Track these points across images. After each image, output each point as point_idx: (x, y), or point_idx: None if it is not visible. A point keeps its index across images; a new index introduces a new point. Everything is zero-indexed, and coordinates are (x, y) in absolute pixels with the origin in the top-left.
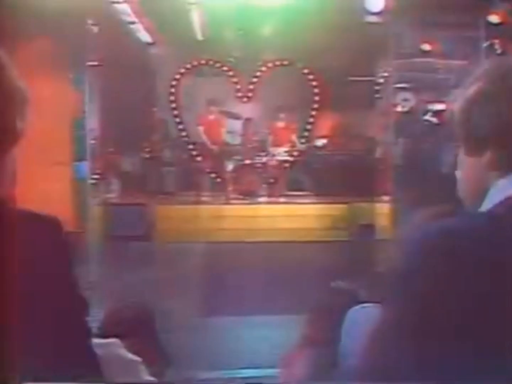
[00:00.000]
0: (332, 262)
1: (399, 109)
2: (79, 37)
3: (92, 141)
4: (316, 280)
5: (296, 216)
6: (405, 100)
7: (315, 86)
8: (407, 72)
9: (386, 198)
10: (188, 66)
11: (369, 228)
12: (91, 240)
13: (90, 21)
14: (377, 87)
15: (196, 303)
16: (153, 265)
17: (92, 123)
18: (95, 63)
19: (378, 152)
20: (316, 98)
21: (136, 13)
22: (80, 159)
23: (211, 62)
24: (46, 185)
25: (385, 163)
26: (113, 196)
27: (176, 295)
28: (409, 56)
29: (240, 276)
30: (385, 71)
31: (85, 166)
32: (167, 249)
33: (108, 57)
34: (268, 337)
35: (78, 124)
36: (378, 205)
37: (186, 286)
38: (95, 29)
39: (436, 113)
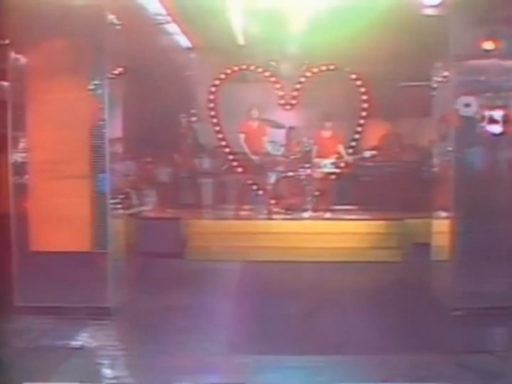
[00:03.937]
0: (383, 286)
1: (459, 115)
2: (100, 36)
3: (117, 151)
4: (368, 310)
5: (343, 234)
6: (467, 105)
7: (363, 93)
8: (468, 75)
9: (443, 214)
10: (228, 71)
11: (425, 247)
12: (114, 259)
13: (112, 18)
14: (433, 92)
15: (227, 338)
16: (182, 287)
17: (117, 132)
18: (118, 68)
19: (435, 163)
20: (365, 105)
21: (170, 14)
22: (100, 171)
23: (252, 68)
24: (64, 200)
25: (443, 176)
26: (146, 209)
27: (204, 326)
28: (470, 57)
29: (280, 303)
30: (443, 74)
31: (107, 178)
32: (199, 268)
33: (135, 60)
34: None
35: (97, 133)
36: (434, 221)
37: (217, 314)
38: (118, 27)
39: (497, 120)
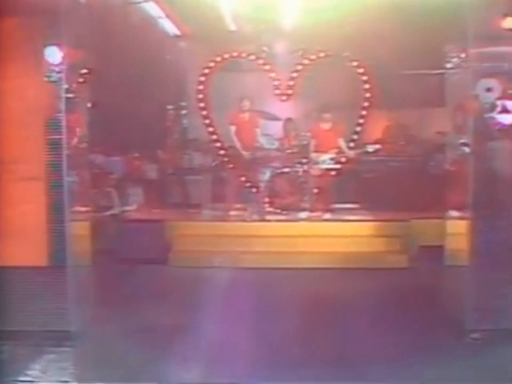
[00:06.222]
0: (387, 298)
1: (480, 101)
2: (58, 13)
3: (93, 147)
4: (369, 330)
5: (343, 237)
6: (488, 90)
7: (365, 81)
8: (490, 57)
9: (457, 213)
10: (218, 59)
11: (435, 251)
12: (77, 273)
13: None
14: (447, 78)
15: (217, 368)
16: (164, 301)
17: (94, 126)
18: (85, 53)
19: (448, 158)
20: (367, 95)
21: None
22: (57, 170)
23: (244, 55)
24: (14, 205)
25: (458, 171)
26: (129, 209)
27: (190, 353)
28: (492, 37)
29: (276, 318)
30: (459, 57)
31: (66, 179)
32: (185, 277)
33: (109, 45)
34: None
35: (54, 127)
36: (447, 222)
37: (205, 336)
38: (83, 3)
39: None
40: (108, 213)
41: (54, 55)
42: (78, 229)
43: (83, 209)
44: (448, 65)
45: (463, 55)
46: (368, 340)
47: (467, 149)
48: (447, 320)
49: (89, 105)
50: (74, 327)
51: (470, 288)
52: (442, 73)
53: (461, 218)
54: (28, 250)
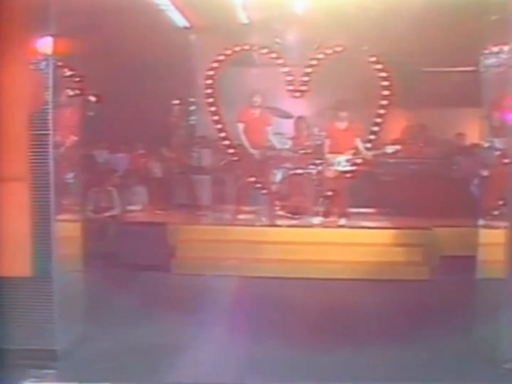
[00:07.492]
0: (408, 312)
1: None
2: None
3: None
4: (389, 339)
5: (360, 245)
6: None
7: (384, 78)
8: None
9: (482, 222)
10: (228, 52)
11: (461, 262)
12: (64, 285)
13: None
14: (482, 73)
15: None
16: (164, 314)
17: (78, 119)
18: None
19: (479, 161)
20: (385, 92)
21: None
22: (42, 169)
23: (255, 48)
24: None
25: (491, 175)
26: (133, 209)
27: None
28: None
29: (285, 329)
30: (499, 50)
31: (51, 179)
32: (188, 286)
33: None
34: None
35: (39, 121)
36: (475, 230)
37: (210, 357)
38: None
39: None
40: (106, 214)
41: (43, 42)
42: (69, 233)
43: (76, 210)
44: (483, 61)
45: (502, 49)
46: (375, 364)
47: (502, 152)
48: (476, 344)
49: (88, 98)
50: (60, 346)
51: (505, 307)
52: (474, 70)
53: (491, 226)
54: (10, 259)
